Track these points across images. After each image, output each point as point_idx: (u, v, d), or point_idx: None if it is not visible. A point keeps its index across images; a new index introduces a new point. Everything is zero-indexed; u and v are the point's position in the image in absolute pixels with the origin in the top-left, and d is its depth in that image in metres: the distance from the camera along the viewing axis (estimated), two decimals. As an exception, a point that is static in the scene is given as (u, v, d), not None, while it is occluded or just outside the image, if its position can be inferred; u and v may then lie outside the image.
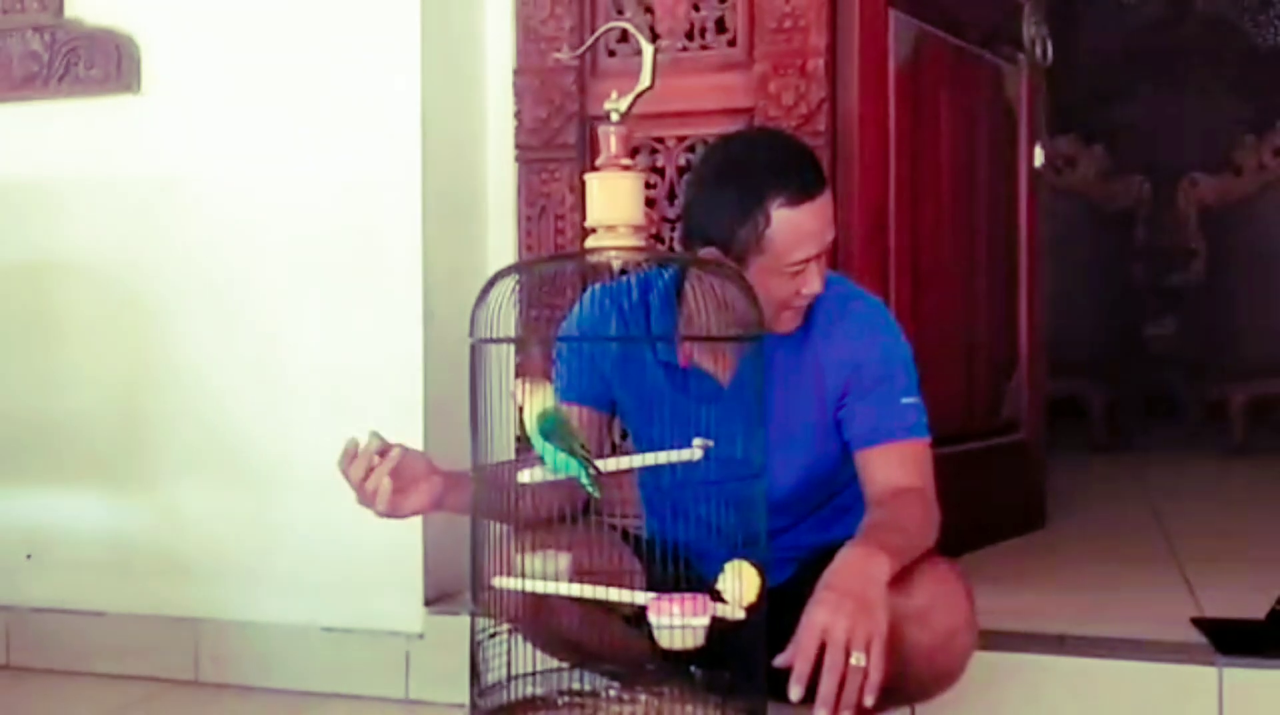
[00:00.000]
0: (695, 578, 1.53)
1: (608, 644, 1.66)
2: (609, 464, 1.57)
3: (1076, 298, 4.99)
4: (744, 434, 1.53)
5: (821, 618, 1.45)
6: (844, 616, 1.44)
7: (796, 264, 1.69)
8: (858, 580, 1.49)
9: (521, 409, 1.47)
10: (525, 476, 1.48)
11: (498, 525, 1.55)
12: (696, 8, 2.49)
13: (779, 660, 1.45)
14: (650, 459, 1.59)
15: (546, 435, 1.45)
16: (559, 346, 1.93)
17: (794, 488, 1.79)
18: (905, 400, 1.76)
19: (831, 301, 1.78)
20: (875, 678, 1.44)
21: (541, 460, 1.47)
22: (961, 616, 1.63)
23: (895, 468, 1.73)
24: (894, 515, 1.66)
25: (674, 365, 1.81)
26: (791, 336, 1.77)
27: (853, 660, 1.43)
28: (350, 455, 1.61)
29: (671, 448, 1.57)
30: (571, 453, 1.45)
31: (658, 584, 1.53)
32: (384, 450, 1.62)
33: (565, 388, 1.77)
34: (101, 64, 2.59)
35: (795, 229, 1.68)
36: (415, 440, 2.37)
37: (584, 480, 1.45)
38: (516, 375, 1.51)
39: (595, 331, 1.82)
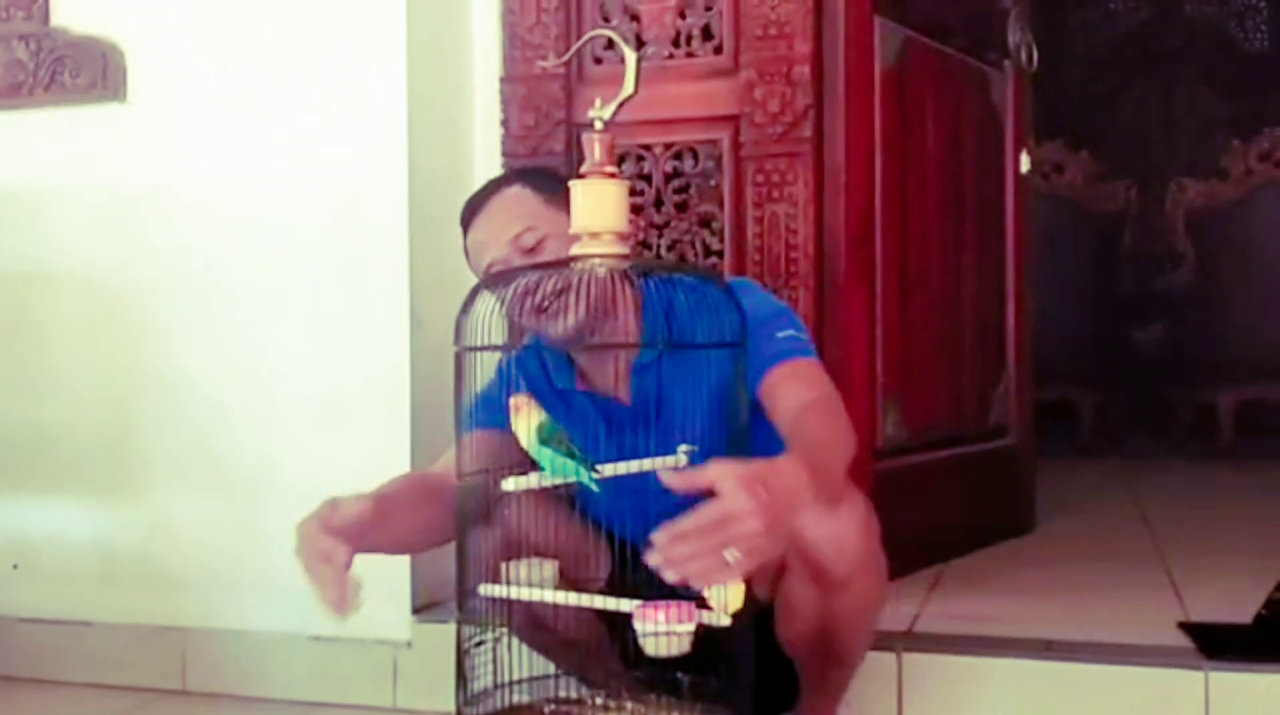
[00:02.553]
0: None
1: (594, 637, 1.66)
2: (604, 469, 1.56)
3: (1065, 302, 5.02)
4: (660, 446, 1.54)
5: (740, 506, 1.26)
6: (757, 521, 1.26)
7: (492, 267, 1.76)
8: (788, 498, 1.33)
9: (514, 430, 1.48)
10: (510, 485, 1.48)
11: (483, 532, 1.55)
12: (683, 15, 2.50)
13: (657, 537, 1.27)
14: (646, 465, 1.58)
15: (545, 442, 1.47)
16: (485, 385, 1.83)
17: None
18: (780, 333, 1.70)
19: (687, 293, 1.65)
20: (717, 579, 1.31)
21: (539, 467, 1.48)
22: (868, 549, 1.65)
23: (792, 384, 1.65)
24: (816, 442, 1.52)
25: (570, 391, 1.81)
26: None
27: (727, 555, 1.26)
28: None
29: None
30: (570, 456, 1.46)
31: (633, 590, 1.52)
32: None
33: (485, 419, 1.66)
34: (87, 72, 2.59)
35: (471, 247, 1.83)
36: (403, 447, 2.38)
37: (586, 480, 1.46)
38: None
39: (508, 380, 1.80)
